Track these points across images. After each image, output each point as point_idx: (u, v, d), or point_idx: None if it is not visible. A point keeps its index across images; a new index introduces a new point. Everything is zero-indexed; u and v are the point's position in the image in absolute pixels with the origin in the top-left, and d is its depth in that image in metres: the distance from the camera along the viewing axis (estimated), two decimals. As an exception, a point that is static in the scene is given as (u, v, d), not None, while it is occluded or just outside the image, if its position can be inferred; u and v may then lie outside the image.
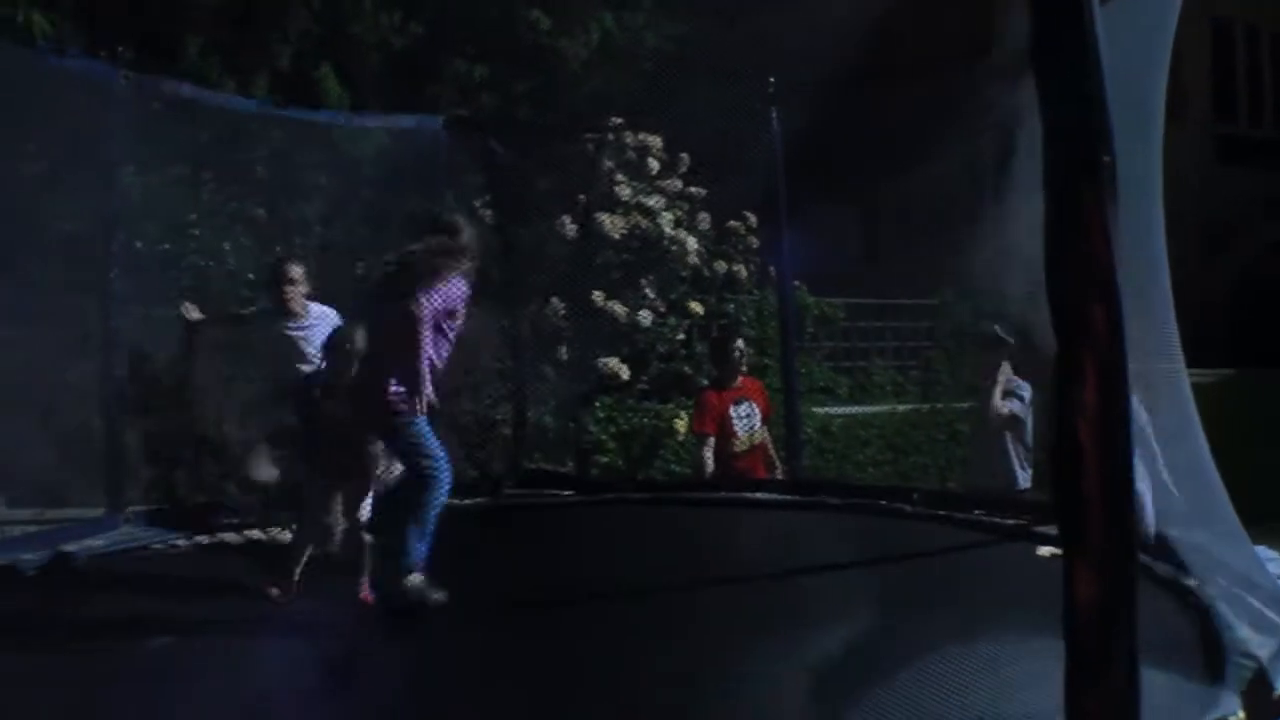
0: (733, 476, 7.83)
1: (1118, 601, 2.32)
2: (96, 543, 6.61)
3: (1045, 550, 5.97)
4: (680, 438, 10.13)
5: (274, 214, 9.10)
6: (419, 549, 5.13)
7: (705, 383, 8.60)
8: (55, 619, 4.99)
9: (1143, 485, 4.97)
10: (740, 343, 8.17)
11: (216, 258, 8.81)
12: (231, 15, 12.10)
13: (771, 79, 8.42)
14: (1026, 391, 7.53)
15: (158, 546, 6.76)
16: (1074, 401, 2.25)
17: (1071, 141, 2.31)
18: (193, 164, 8.54)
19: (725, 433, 7.72)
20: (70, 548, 6.39)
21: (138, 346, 7.66)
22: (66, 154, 7.66)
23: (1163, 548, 5.08)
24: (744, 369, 8.02)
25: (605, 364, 10.00)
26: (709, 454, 7.75)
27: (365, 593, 5.21)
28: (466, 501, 7.49)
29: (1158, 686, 2.48)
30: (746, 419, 7.73)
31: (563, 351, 9.90)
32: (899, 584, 5.44)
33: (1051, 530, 5.74)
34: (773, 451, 8.20)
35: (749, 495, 7.89)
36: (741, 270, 11.24)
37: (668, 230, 10.64)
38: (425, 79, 11.92)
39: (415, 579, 5.09)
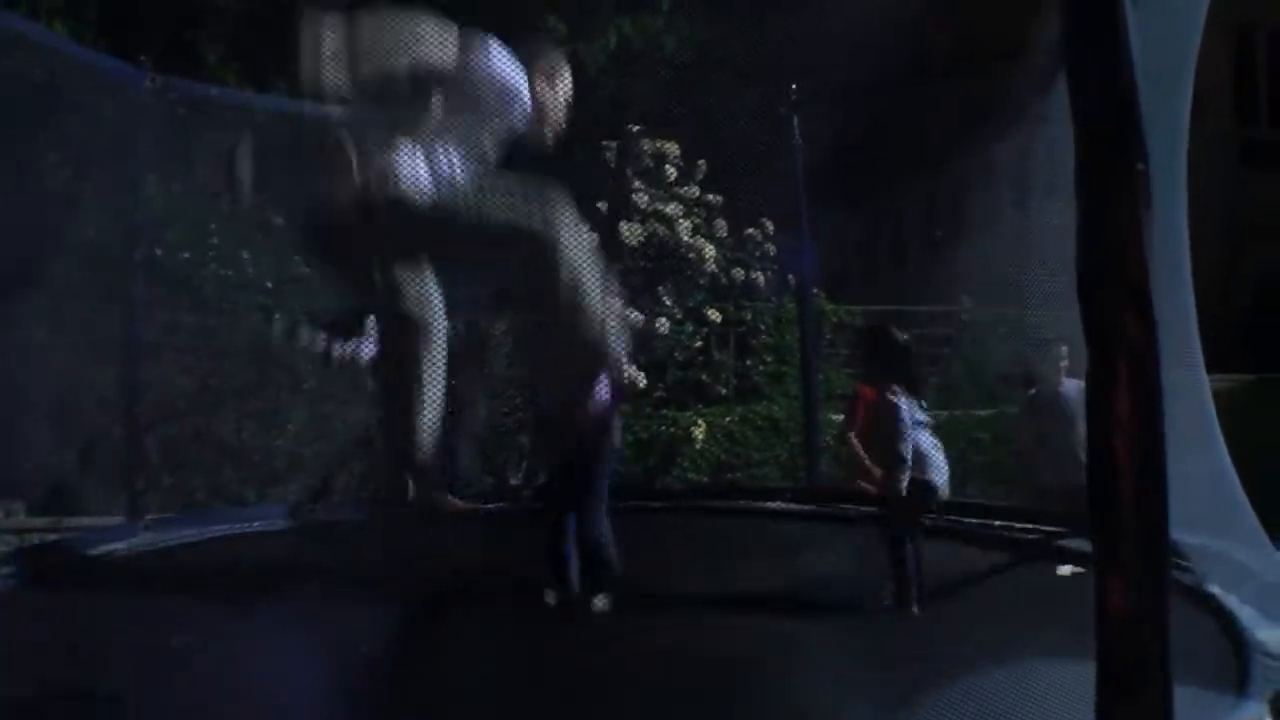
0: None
1: (1150, 615, 2.29)
2: (118, 547, 6.61)
3: (1065, 569, 5.92)
4: (698, 445, 10.12)
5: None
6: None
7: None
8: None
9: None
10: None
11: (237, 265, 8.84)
12: (251, 21, 12.16)
13: (794, 85, 8.40)
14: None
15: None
16: (1107, 412, 2.22)
17: (1105, 148, 2.28)
18: (219, 167, 8.56)
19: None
20: (93, 552, 6.40)
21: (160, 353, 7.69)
22: (92, 157, 7.69)
23: (1184, 555, 5.05)
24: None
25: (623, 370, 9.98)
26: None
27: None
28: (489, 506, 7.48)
29: (1183, 696, 2.45)
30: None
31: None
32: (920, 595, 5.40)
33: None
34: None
35: (767, 504, 7.89)
36: (760, 277, 11.22)
37: (685, 237, 10.64)
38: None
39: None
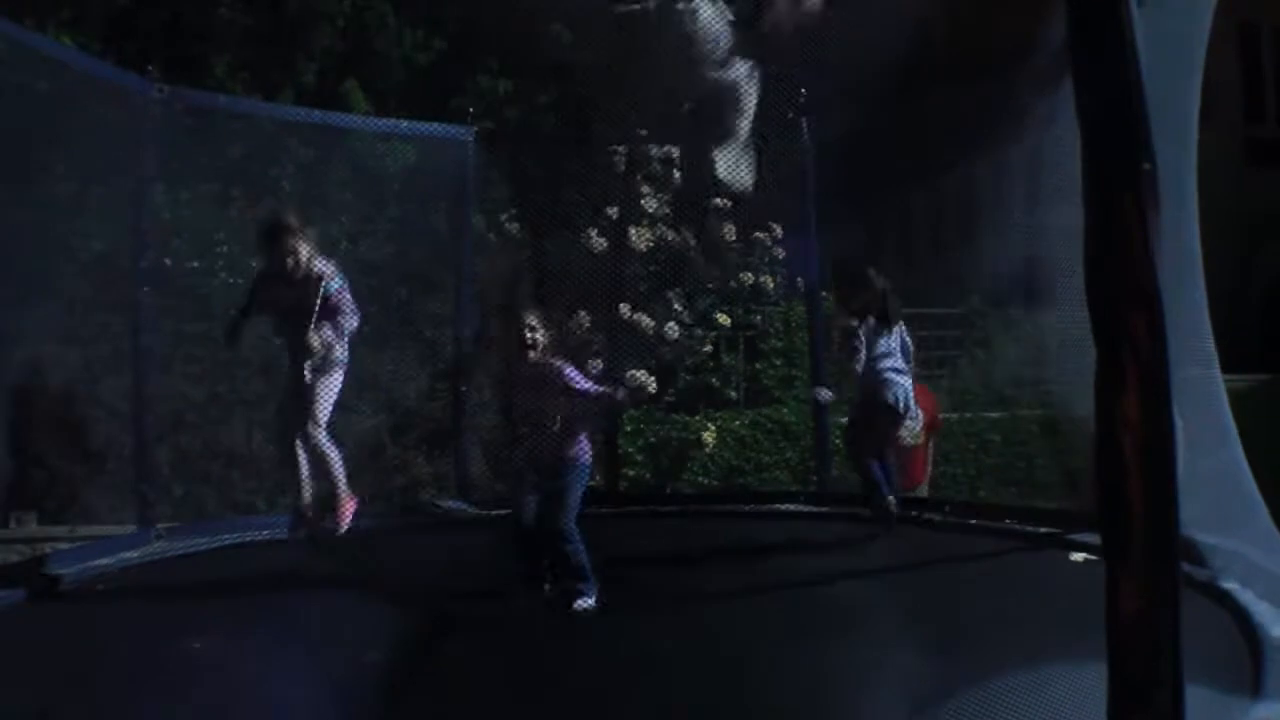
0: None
1: (1161, 615, 2.28)
2: (131, 555, 6.63)
3: (1079, 556, 5.93)
4: (708, 449, 10.10)
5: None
6: None
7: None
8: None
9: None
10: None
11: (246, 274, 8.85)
12: (257, 33, 12.18)
13: (802, 89, 8.40)
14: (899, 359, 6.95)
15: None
16: (1116, 412, 2.21)
17: (1111, 149, 2.27)
18: (229, 176, 8.59)
19: None
20: (104, 561, 6.42)
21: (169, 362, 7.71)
22: (100, 167, 7.72)
23: (1199, 554, 5.03)
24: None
25: (632, 376, 9.97)
26: None
27: None
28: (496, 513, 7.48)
29: (1196, 696, 2.43)
30: (911, 421, 7.77)
31: (589, 364, 9.88)
32: (929, 595, 5.40)
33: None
34: (930, 458, 8.27)
35: (780, 506, 7.91)
36: (769, 281, 11.19)
37: (694, 242, 10.63)
38: (450, 93, 11.94)
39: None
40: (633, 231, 10.17)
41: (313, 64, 12.36)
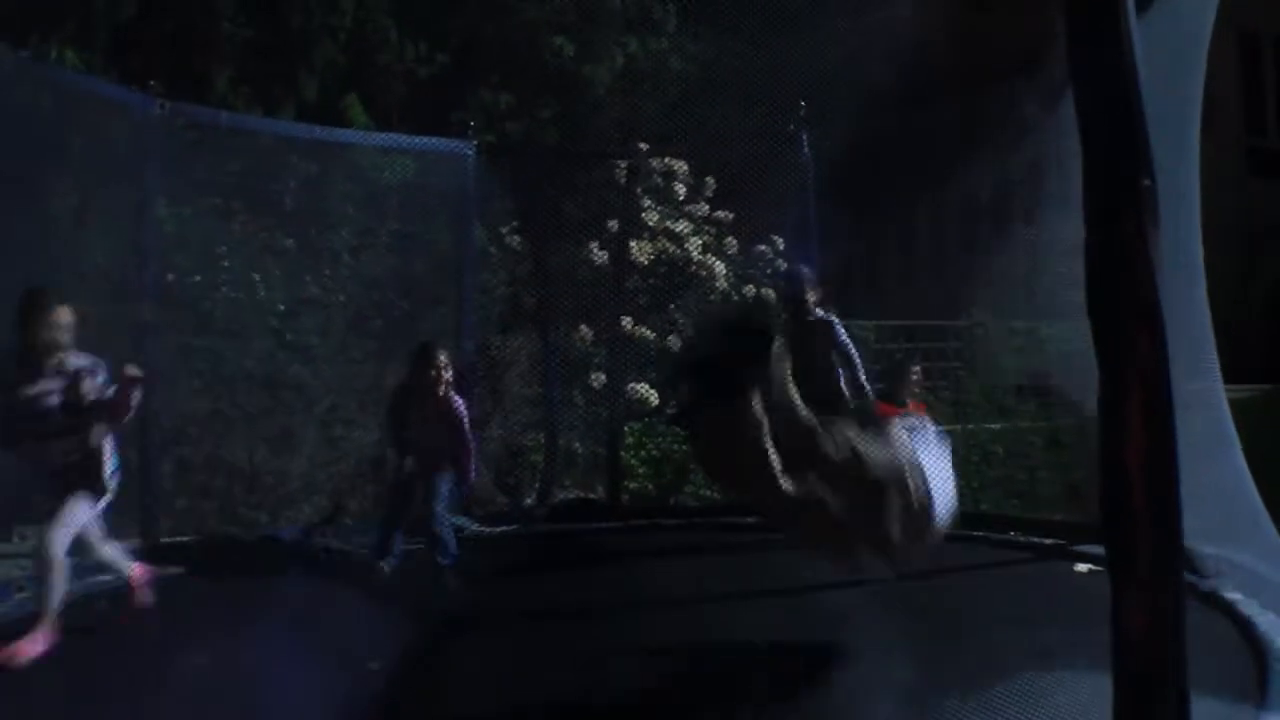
0: None
1: (1166, 627, 2.27)
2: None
3: (1083, 566, 5.93)
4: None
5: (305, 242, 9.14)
6: None
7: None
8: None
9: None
10: (917, 369, 8.59)
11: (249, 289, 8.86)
12: (259, 47, 12.22)
13: (802, 102, 8.42)
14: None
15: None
16: (1119, 426, 2.21)
17: (1111, 164, 2.28)
18: (231, 191, 8.59)
19: None
20: (106, 576, 6.40)
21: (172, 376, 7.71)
22: (103, 182, 7.73)
23: (1203, 564, 5.03)
24: (916, 392, 8.48)
25: (634, 389, 9.97)
26: None
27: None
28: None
29: (1201, 708, 2.43)
30: None
31: (592, 377, 9.89)
32: (934, 605, 5.40)
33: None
34: None
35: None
36: (770, 293, 11.19)
37: (695, 255, 10.63)
38: (451, 107, 11.97)
39: None
40: (634, 244, 10.18)
41: (314, 78, 12.38)
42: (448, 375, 6.46)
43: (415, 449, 6.53)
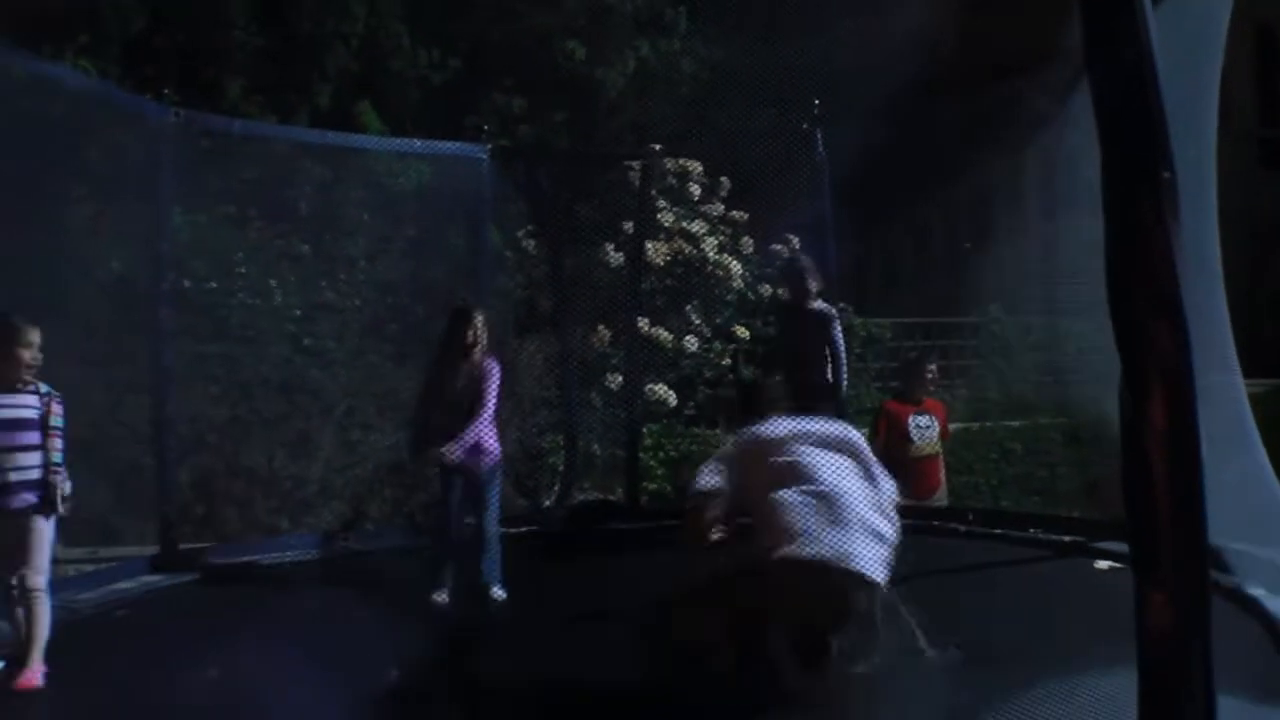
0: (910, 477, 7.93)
1: (1192, 626, 2.25)
2: (153, 579, 6.64)
3: (1103, 563, 5.90)
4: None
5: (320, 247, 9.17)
6: None
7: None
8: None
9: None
10: (933, 366, 8.46)
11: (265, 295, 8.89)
12: (272, 55, 12.26)
13: (816, 101, 8.41)
14: None
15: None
16: (1142, 421, 2.19)
17: (1130, 157, 2.25)
18: (246, 198, 8.62)
19: (902, 438, 7.95)
20: (126, 584, 6.43)
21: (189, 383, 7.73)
22: (119, 190, 7.76)
23: (1225, 562, 4.99)
24: (931, 390, 8.38)
25: (652, 390, 9.97)
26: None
27: None
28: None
29: (1228, 707, 2.40)
30: (925, 429, 8.00)
31: (609, 379, 9.89)
32: (954, 602, 5.37)
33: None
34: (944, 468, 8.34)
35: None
36: (786, 293, 11.18)
37: (711, 255, 10.63)
38: (464, 112, 11.99)
39: None
40: (649, 245, 10.17)
41: (327, 85, 12.42)
42: (484, 336, 6.35)
43: (450, 426, 6.19)
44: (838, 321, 7.95)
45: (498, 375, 6.28)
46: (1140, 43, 2.28)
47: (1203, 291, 4.67)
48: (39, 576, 4.79)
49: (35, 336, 4.96)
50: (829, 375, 7.78)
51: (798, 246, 10.79)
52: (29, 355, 4.93)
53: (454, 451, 6.02)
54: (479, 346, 6.27)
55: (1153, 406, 2.18)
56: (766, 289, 11.03)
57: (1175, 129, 2.36)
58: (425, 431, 6.28)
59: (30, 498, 4.78)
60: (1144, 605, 2.25)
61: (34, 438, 4.86)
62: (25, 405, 4.90)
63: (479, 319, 6.34)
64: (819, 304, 7.89)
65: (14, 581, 4.73)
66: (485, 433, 6.18)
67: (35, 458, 4.83)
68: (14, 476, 4.77)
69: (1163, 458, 2.18)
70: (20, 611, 4.75)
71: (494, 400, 6.24)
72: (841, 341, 7.93)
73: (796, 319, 7.97)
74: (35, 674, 4.71)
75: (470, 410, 6.11)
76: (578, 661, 4.85)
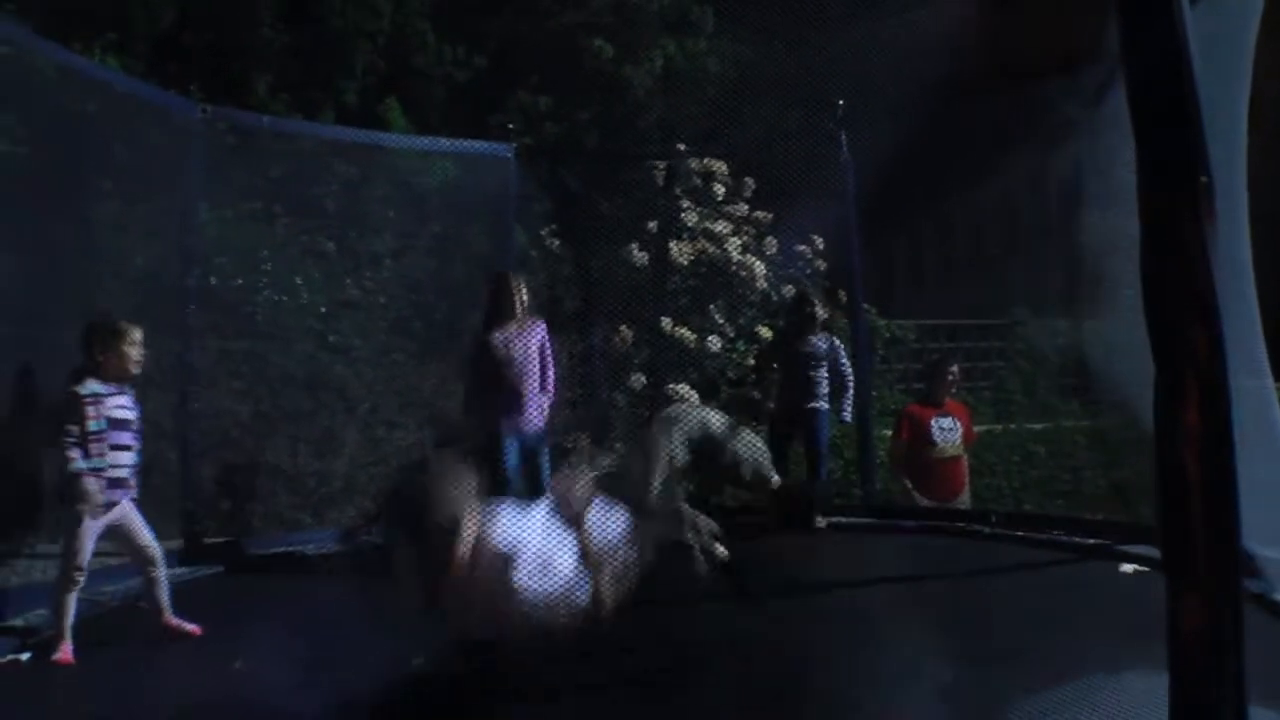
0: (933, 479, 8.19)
1: (1224, 632, 2.23)
2: (180, 571, 6.67)
3: (1128, 567, 5.86)
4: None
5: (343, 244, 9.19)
6: None
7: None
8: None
9: None
10: (955, 369, 8.54)
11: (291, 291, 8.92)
12: (299, 52, 12.30)
13: (840, 101, 8.40)
14: None
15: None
16: (1176, 425, 2.17)
17: (1166, 161, 2.24)
18: (272, 195, 8.65)
19: (925, 440, 8.08)
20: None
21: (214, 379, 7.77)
22: (146, 186, 7.80)
23: (1256, 566, 4.95)
24: (953, 392, 8.51)
25: (674, 390, 9.95)
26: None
27: None
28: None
29: (1259, 714, 2.38)
30: (947, 431, 8.13)
31: (633, 378, 9.89)
32: (977, 606, 5.36)
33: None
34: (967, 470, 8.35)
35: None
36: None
37: (735, 255, 10.61)
38: (490, 110, 12.01)
39: None
40: (673, 245, 10.17)
41: (353, 83, 12.46)
42: (525, 297, 6.56)
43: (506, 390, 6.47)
44: (842, 349, 8.18)
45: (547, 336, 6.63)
46: (1178, 43, 2.26)
47: (1233, 294, 4.62)
48: (156, 546, 5.37)
49: (139, 335, 5.24)
50: (819, 397, 8.09)
51: (821, 247, 10.79)
52: (135, 354, 5.34)
53: (534, 418, 6.17)
54: (524, 307, 6.40)
55: (1187, 410, 2.17)
56: (790, 290, 11.02)
57: (1206, 129, 2.34)
58: (484, 396, 6.34)
59: (133, 490, 5.32)
60: (1177, 609, 2.23)
61: (133, 438, 5.34)
62: (130, 405, 5.37)
63: (519, 281, 6.61)
64: (816, 339, 8.10)
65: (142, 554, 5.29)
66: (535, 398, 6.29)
67: (132, 456, 5.32)
68: (124, 473, 5.26)
69: (1196, 461, 2.16)
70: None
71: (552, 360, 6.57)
72: (849, 367, 8.17)
73: (795, 353, 8.21)
74: (184, 622, 5.33)
75: (526, 371, 6.20)
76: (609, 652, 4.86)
